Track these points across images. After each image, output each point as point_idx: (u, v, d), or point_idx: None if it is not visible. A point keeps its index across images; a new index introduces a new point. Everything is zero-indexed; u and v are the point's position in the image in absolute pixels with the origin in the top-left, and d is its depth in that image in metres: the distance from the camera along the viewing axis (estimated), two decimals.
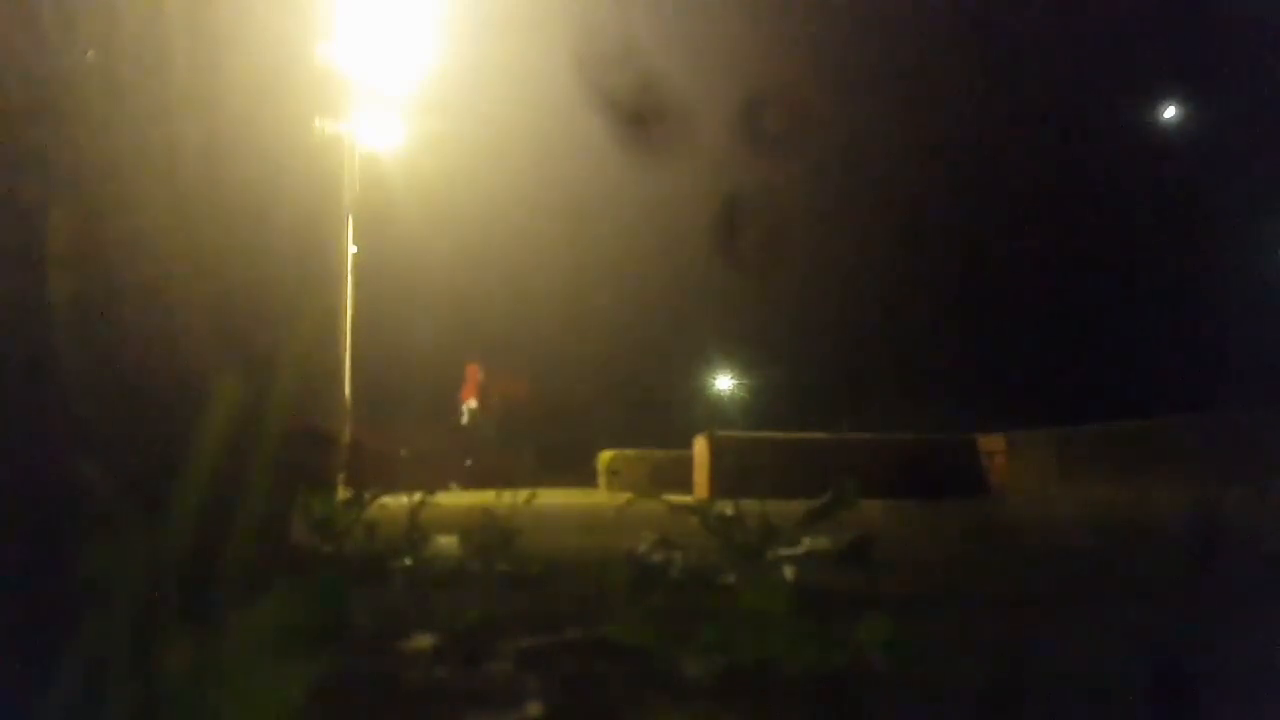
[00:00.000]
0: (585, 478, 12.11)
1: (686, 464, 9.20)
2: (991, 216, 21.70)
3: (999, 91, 21.54)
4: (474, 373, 15.87)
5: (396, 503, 3.45)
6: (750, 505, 2.68)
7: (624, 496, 4.53)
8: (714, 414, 23.65)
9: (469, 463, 13.78)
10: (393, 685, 1.43)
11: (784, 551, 2.55)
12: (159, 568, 0.96)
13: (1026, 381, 19.48)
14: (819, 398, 20.72)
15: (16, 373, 1.10)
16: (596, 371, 14.23)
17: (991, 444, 9.51)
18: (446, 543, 2.91)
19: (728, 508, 2.73)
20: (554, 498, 8.15)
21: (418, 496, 3.42)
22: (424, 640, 1.68)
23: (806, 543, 2.61)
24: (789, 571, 2.28)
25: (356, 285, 11.56)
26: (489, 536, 2.82)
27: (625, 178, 18.93)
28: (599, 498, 9.21)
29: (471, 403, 15.64)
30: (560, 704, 1.33)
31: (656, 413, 18.76)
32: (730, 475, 8.02)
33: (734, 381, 28.41)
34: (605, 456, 11.38)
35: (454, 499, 4.54)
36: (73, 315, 1.19)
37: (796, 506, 2.67)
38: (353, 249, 11.43)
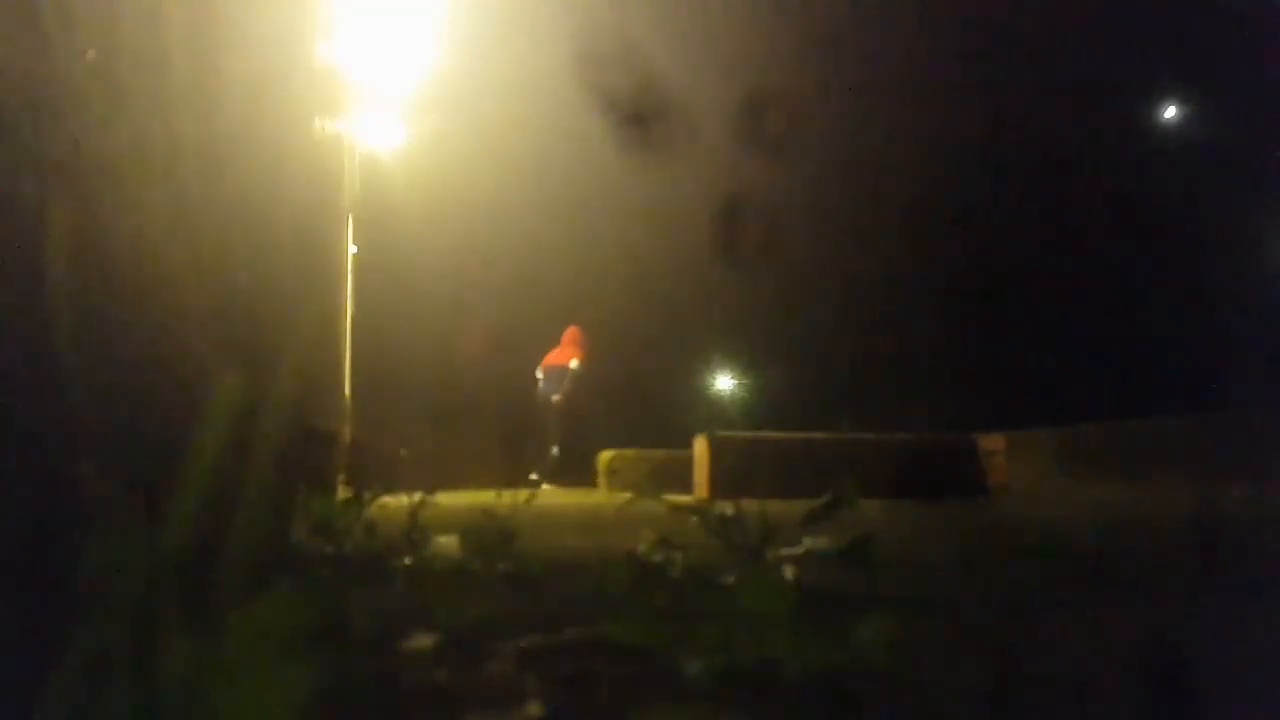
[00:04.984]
0: (585, 477, 12.10)
1: (686, 464, 9.18)
2: (992, 216, 21.71)
3: (1000, 90, 21.53)
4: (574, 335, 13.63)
5: (396, 503, 3.45)
6: (750, 505, 2.67)
7: (624, 496, 4.53)
8: (714, 414, 23.66)
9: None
10: (393, 685, 1.43)
11: (784, 551, 2.54)
12: (159, 568, 0.96)
13: (1026, 381, 19.47)
14: (819, 398, 20.73)
15: (15, 373, 1.10)
16: (596, 370, 14.16)
17: (991, 444, 9.50)
18: (446, 543, 2.91)
19: (728, 508, 2.73)
20: (554, 498, 8.15)
21: (418, 496, 3.42)
22: (424, 640, 1.68)
23: (806, 543, 2.60)
24: (789, 571, 2.28)
25: (356, 285, 11.58)
26: (489, 536, 2.82)
27: (625, 177, 18.95)
28: (599, 498, 9.21)
29: (574, 363, 13.42)
30: (560, 704, 1.33)
31: (656, 413, 18.76)
32: (730, 475, 8.01)
33: (734, 381, 28.42)
34: (605, 456, 11.37)
35: (453, 499, 4.54)
36: (72, 315, 1.19)
37: (796, 506, 2.66)
38: (353, 249, 11.45)
